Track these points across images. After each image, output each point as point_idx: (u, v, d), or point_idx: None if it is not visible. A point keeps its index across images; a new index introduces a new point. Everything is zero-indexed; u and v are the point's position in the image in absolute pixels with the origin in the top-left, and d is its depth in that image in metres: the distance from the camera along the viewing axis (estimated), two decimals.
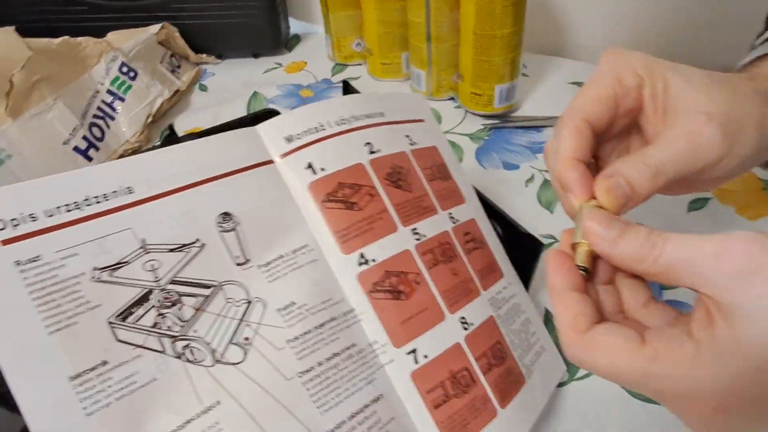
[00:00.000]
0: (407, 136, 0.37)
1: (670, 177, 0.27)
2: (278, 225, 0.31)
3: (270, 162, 0.32)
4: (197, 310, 0.27)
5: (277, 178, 0.32)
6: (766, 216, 0.50)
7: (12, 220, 0.24)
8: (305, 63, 0.78)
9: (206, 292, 0.27)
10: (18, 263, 0.24)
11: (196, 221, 0.28)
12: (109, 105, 0.62)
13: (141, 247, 0.27)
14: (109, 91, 0.62)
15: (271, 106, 0.68)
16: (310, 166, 0.32)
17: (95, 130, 0.60)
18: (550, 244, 0.49)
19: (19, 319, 0.23)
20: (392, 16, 0.67)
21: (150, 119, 0.65)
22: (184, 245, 0.28)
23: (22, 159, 0.54)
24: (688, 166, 0.28)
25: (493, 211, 0.42)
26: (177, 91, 0.69)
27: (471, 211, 0.38)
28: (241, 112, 0.68)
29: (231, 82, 0.74)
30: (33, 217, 0.25)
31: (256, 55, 0.79)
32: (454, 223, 0.36)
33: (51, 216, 0.25)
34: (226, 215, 0.29)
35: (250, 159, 0.31)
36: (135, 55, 0.66)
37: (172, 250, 0.27)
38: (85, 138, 0.58)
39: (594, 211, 0.26)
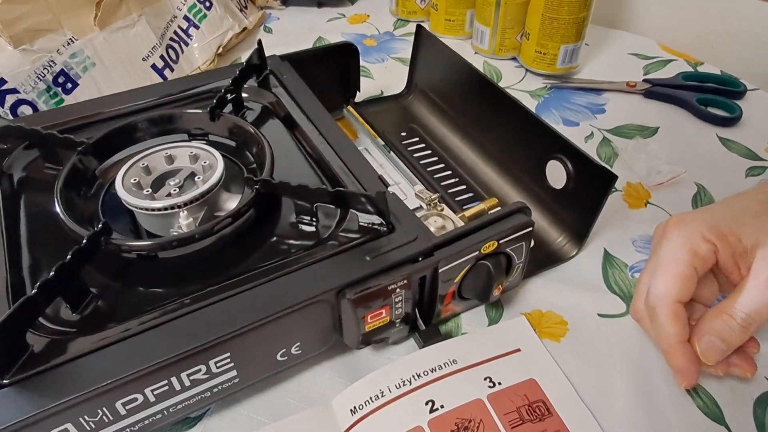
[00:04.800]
0: (487, 378, 0.35)
1: (762, 322, 0.31)
2: None
3: None
4: None
5: None
6: None
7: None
8: (368, 16, 0.80)
9: None
10: None
11: None
12: (185, 31, 0.64)
13: None
14: (185, 17, 0.64)
15: None
16: None
17: (171, 52, 0.62)
18: None
19: None
20: None
21: (220, 50, 0.67)
22: None
23: (105, 69, 0.56)
24: None
25: (565, 147, 0.43)
26: (245, 28, 0.71)
27: None
28: None
29: (295, 27, 0.76)
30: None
31: (319, 5, 0.81)
32: None
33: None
34: None
35: None
36: None
37: None
38: (162, 57, 0.60)
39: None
